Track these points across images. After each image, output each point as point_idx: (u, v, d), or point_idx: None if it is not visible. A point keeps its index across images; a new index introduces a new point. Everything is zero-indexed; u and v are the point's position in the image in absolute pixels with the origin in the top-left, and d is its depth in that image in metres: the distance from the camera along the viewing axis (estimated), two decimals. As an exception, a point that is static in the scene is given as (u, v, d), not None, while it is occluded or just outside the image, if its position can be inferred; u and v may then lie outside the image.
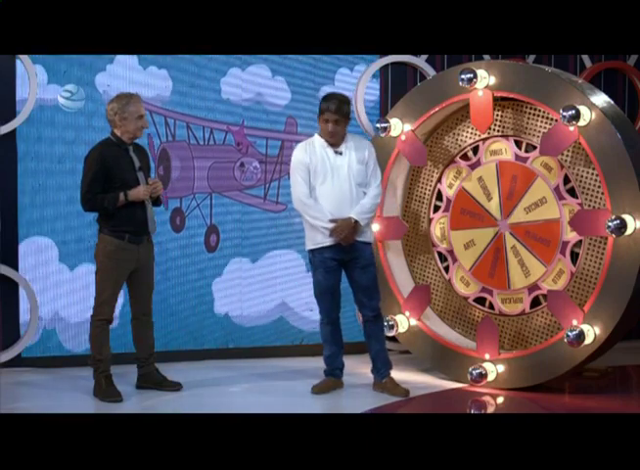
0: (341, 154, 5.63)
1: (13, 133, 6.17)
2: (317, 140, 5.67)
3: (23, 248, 6.22)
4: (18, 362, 6.23)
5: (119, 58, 6.34)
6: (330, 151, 5.64)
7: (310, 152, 5.64)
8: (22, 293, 6.22)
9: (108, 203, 5.40)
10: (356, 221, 5.54)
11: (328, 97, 5.68)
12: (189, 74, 6.51)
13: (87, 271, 6.17)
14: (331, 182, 5.60)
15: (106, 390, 5.47)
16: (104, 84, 6.30)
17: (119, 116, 5.47)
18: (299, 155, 5.66)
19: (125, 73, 6.37)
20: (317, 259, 5.65)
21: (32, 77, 6.12)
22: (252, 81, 6.64)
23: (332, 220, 5.56)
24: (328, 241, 5.59)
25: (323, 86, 6.71)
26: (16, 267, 6.21)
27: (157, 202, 5.70)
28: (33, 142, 6.22)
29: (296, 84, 6.72)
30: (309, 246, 5.69)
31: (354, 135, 5.84)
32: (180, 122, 6.47)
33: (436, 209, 6.39)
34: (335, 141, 5.63)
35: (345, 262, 5.67)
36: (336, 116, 5.56)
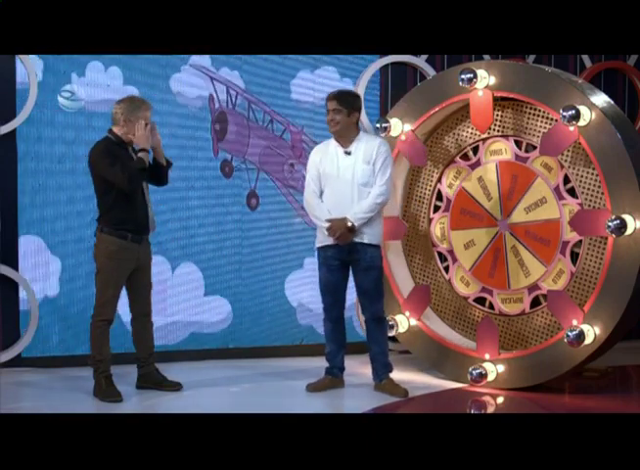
0: (349, 154, 5.62)
1: (13, 133, 6.17)
2: (332, 142, 5.69)
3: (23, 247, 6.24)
4: (18, 362, 6.23)
5: (194, 58, 6.44)
6: (340, 151, 5.64)
7: (322, 152, 5.69)
8: (22, 293, 6.22)
9: (140, 165, 5.40)
10: (350, 222, 5.54)
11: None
12: (261, 77, 6.65)
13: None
14: (335, 183, 5.61)
15: (106, 390, 5.47)
16: (178, 85, 6.43)
17: (125, 116, 5.46)
18: (313, 155, 5.76)
19: (197, 74, 6.50)
20: (321, 257, 5.71)
21: (32, 77, 6.12)
22: (322, 83, 6.76)
23: (329, 220, 5.57)
24: (329, 241, 5.61)
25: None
26: (16, 267, 6.21)
27: (165, 177, 5.68)
28: (33, 142, 6.21)
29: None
30: (316, 244, 5.74)
31: (368, 135, 5.86)
32: (242, 98, 6.53)
33: (436, 209, 6.39)
34: (335, 132, 5.61)
35: (349, 263, 5.67)
36: (333, 103, 5.57)
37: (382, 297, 5.76)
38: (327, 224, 5.57)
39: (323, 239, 5.65)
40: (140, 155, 5.44)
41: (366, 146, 5.62)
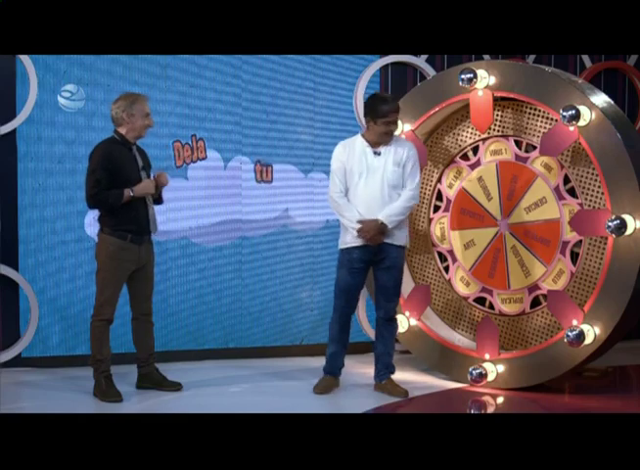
0: (379, 154, 5.60)
1: (13, 133, 6.17)
2: (358, 140, 5.65)
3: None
4: (18, 362, 6.23)
5: None
6: (369, 151, 5.60)
7: (349, 151, 5.63)
8: (21, 293, 6.22)
9: (113, 199, 5.39)
10: (383, 223, 5.52)
11: (385, 99, 5.59)
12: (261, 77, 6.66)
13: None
14: (364, 183, 5.57)
15: (106, 390, 5.47)
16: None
17: (127, 113, 5.46)
18: (338, 153, 5.67)
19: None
20: (345, 259, 5.66)
21: (32, 77, 6.12)
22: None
23: (360, 221, 5.54)
24: (357, 242, 5.58)
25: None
26: (16, 267, 6.21)
27: (158, 200, 5.70)
28: (33, 142, 6.21)
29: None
30: (340, 245, 5.70)
31: (398, 137, 5.79)
32: None
33: (436, 209, 6.39)
34: (389, 141, 5.58)
35: (372, 263, 5.66)
36: (397, 116, 5.56)
37: (397, 297, 5.76)
38: (358, 225, 5.55)
39: (351, 240, 5.60)
40: (125, 194, 5.40)
41: (396, 148, 5.59)
